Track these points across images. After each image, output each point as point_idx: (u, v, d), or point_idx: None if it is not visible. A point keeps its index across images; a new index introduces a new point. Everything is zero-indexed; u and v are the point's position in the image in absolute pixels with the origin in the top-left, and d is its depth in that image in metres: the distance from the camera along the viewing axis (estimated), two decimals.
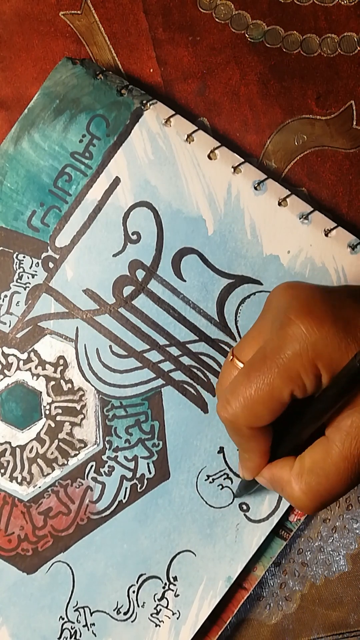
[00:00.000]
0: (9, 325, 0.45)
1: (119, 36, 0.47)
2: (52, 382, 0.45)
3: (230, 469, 0.44)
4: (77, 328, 0.45)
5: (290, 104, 0.46)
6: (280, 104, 0.46)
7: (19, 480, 0.45)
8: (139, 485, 0.45)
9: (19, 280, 0.45)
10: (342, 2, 0.46)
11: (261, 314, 0.37)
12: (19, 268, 0.45)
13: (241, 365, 0.36)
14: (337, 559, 0.46)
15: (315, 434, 0.35)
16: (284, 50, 0.46)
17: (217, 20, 0.46)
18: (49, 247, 0.45)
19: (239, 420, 0.35)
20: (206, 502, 0.44)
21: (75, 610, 0.44)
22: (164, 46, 0.47)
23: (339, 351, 0.33)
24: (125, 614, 0.44)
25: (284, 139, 0.46)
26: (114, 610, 0.44)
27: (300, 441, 0.35)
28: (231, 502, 0.44)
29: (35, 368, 0.45)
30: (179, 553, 0.44)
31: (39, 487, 0.45)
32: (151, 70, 0.46)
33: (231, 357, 0.37)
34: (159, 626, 0.44)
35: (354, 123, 0.46)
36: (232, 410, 0.35)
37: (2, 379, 0.45)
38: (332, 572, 0.46)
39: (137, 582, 0.44)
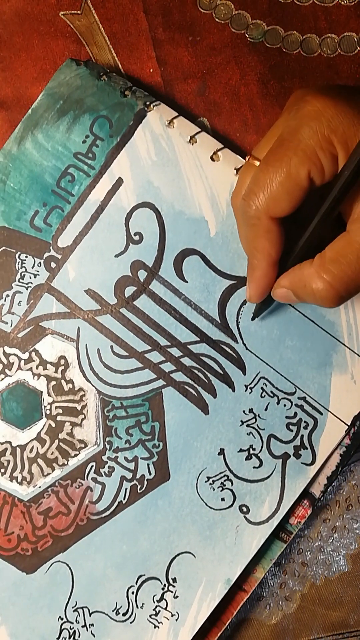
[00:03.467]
0: (11, 325, 0.45)
1: (119, 36, 0.47)
2: (53, 382, 0.45)
3: (231, 471, 0.44)
4: (78, 328, 0.45)
5: None
6: (280, 104, 0.46)
7: (19, 480, 0.45)
8: (139, 486, 0.45)
9: (21, 280, 0.45)
10: (342, 2, 0.46)
11: (280, 116, 0.38)
12: (21, 268, 0.45)
13: (258, 163, 0.37)
14: (337, 559, 0.46)
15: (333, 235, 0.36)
16: (284, 50, 0.46)
17: (217, 20, 0.46)
18: (51, 247, 0.45)
19: (262, 209, 0.35)
20: (206, 504, 0.44)
21: (74, 611, 0.44)
22: (164, 46, 0.47)
23: (353, 127, 0.34)
24: (124, 614, 0.44)
25: None
26: (113, 610, 0.44)
27: (318, 236, 0.36)
28: (231, 505, 0.44)
29: (37, 368, 0.45)
30: (178, 554, 0.44)
31: (39, 487, 0.45)
32: (151, 70, 0.47)
33: (249, 157, 0.38)
34: (158, 627, 0.44)
35: None
36: (257, 200, 0.35)
37: (3, 379, 0.45)
38: (332, 572, 0.46)
39: (136, 583, 0.44)
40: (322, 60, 0.47)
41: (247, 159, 0.39)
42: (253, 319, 0.44)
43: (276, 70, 0.46)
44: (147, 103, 0.45)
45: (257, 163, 0.37)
